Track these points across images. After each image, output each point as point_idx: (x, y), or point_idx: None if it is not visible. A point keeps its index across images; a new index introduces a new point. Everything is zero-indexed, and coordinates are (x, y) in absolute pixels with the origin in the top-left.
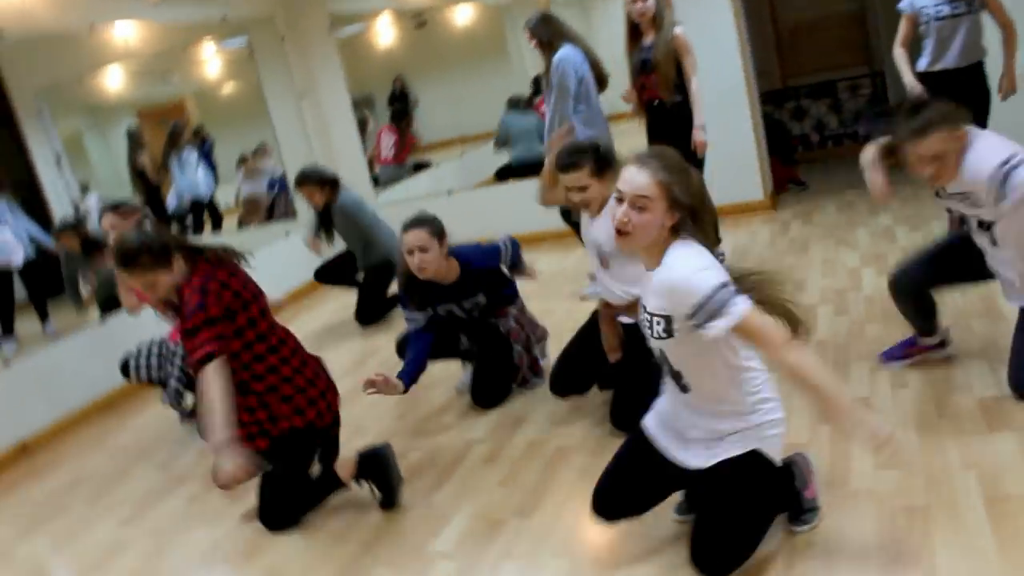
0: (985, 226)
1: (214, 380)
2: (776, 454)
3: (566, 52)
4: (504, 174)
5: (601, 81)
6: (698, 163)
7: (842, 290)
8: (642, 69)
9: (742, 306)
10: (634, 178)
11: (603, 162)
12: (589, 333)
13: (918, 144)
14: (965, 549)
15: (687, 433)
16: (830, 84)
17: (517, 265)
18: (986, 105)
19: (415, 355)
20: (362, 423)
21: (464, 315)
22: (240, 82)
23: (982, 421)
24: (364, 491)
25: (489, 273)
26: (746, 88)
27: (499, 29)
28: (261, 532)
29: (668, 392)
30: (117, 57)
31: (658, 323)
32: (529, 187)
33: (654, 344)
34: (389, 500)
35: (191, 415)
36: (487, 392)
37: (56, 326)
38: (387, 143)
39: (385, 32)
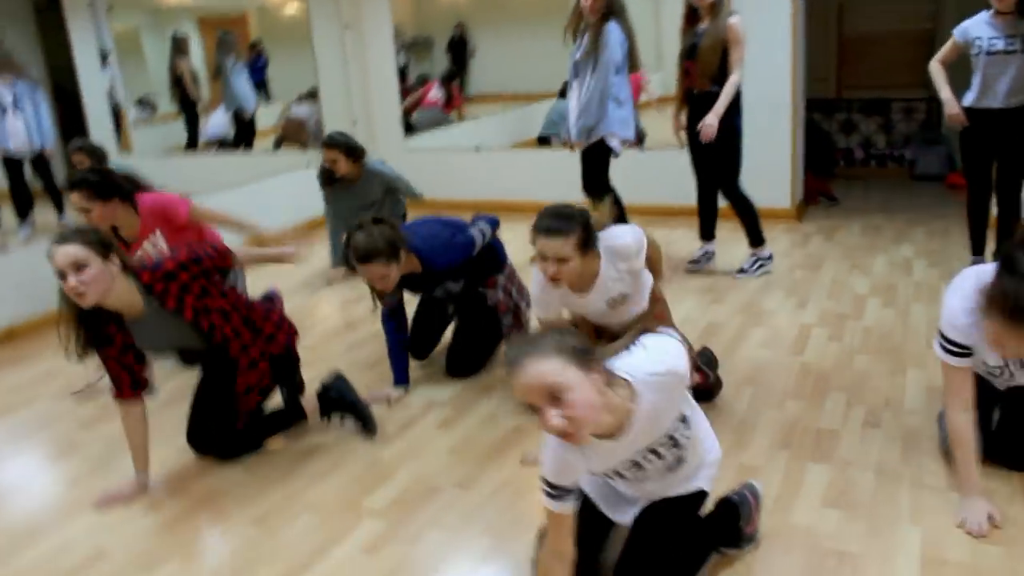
0: None
1: None
2: (710, 485)
3: (614, 26)
4: (545, 141)
5: (634, 63)
6: (724, 156)
7: (843, 316)
8: (689, 54)
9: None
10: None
11: (590, 235)
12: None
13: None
14: None
15: (626, 498)
16: (885, 102)
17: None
18: None
19: (396, 360)
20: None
21: (442, 295)
22: (302, 4)
23: (944, 477)
24: (318, 435)
25: (454, 270)
26: (791, 92)
27: None
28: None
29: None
30: None
31: (673, 442)
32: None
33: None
34: (369, 426)
35: None
36: (460, 363)
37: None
38: (436, 93)
39: None
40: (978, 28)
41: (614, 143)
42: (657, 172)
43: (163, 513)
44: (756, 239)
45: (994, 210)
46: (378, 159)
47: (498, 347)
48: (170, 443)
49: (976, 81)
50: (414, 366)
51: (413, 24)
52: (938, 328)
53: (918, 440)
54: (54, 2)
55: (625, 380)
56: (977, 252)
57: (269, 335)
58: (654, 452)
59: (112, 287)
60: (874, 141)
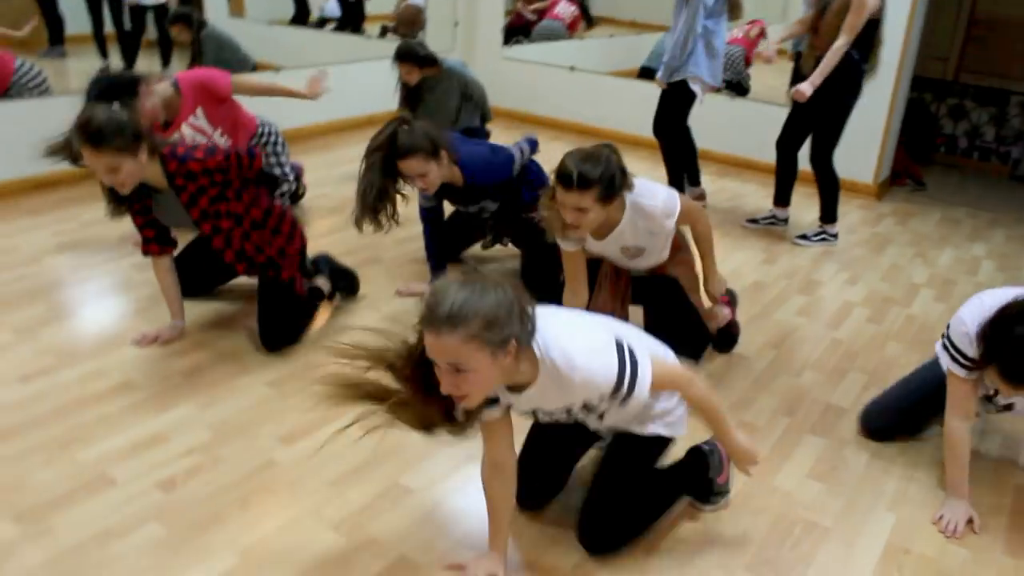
0: None
1: None
2: (669, 432)
3: None
4: (646, 74)
5: (734, 8)
6: (825, 127)
7: (890, 300)
8: (822, 13)
9: (646, 368)
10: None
11: (613, 187)
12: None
13: None
14: None
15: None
16: (1003, 94)
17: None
18: None
19: (433, 255)
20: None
21: (475, 213)
22: None
23: (935, 472)
24: None
25: (494, 187)
26: (897, 67)
27: None
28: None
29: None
30: None
31: (580, 409)
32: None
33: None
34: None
35: None
36: (537, 278)
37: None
38: (564, 7)
39: None
40: None
41: (696, 87)
42: (746, 123)
43: (188, 360)
44: (830, 215)
45: None
46: (460, 62)
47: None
48: (206, 301)
49: None
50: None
51: None
52: (948, 336)
53: (922, 436)
54: None
55: (536, 357)
56: None
57: (288, 234)
58: (567, 412)
59: (143, 172)
60: (982, 132)
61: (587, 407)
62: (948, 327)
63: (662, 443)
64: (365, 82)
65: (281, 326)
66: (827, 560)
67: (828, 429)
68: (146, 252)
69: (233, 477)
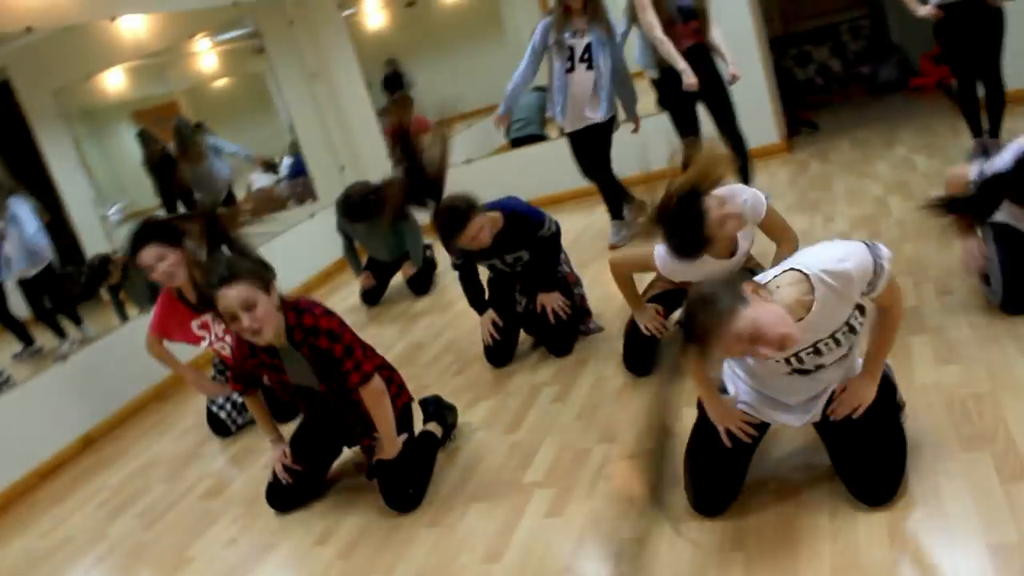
0: None
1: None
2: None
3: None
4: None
5: None
6: (726, 100)
7: (871, 216)
8: (684, 16)
9: (887, 252)
10: None
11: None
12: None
13: None
14: None
15: (787, 400)
16: (831, 28)
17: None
18: (1000, 24)
19: (474, 297)
20: (422, 382)
21: (509, 267)
22: (237, 75)
23: None
24: None
25: (528, 229)
26: (755, 33)
27: (494, 3)
28: (347, 485)
29: (774, 377)
30: (126, 56)
31: (843, 334)
32: (537, 153)
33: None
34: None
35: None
36: (562, 339)
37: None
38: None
39: (374, 15)
40: None
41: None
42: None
43: (337, 542)
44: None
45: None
46: None
47: (585, 318)
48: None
49: None
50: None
51: None
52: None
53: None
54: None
55: (803, 275)
56: (976, 133)
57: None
58: (834, 339)
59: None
60: (830, 66)
61: (849, 327)
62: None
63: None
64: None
65: (405, 486)
66: (1016, 412)
67: (920, 326)
68: (238, 388)
69: None
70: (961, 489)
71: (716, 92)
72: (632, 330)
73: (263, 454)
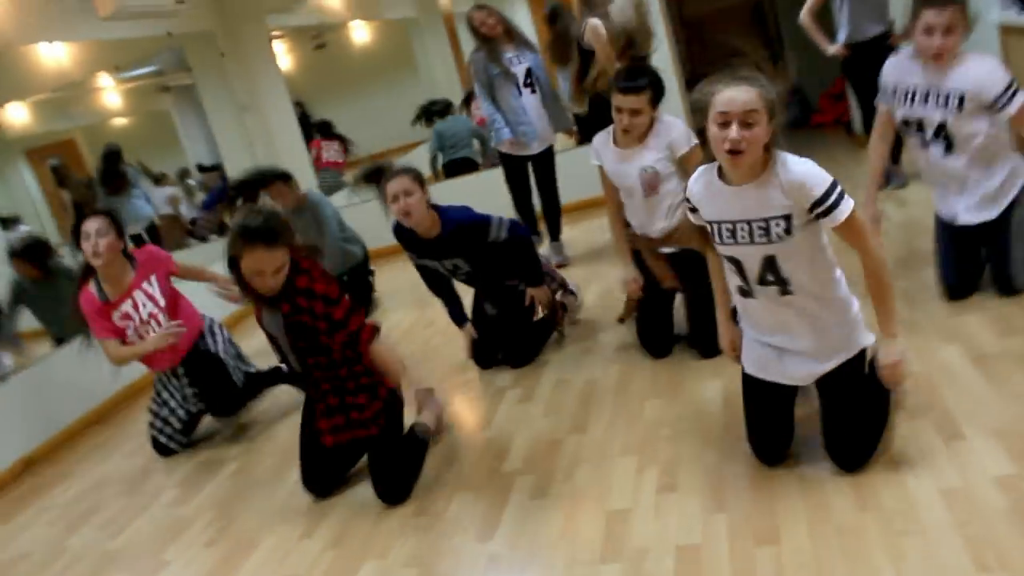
0: (942, 135)
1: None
2: (870, 342)
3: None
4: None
5: None
6: None
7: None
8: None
9: (851, 202)
10: (738, 96)
11: (659, 93)
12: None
13: (939, 11)
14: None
15: (791, 346)
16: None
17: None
18: None
19: (449, 302)
20: None
21: (449, 272)
22: (139, 113)
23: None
24: None
25: (470, 237)
26: (675, 74)
27: (405, 42)
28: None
29: (764, 308)
30: (48, 84)
31: (777, 224)
32: (469, 183)
33: (762, 251)
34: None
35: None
36: (519, 355)
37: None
38: (330, 148)
39: (283, 57)
40: None
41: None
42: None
43: (323, 535)
44: None
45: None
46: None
47: (547, 335)
48: (271, 487)
49: (844, 19)
50: (464, 370)
51: None
52: None
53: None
54: None
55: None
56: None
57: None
58: (754, 225)
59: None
60: None
61: (766, 226)
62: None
63: (863, 358)
64: None
65: (397, 477)
66: (949, 391)
67: None
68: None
69: None
70: (912, 449)
71: None
72: (643, 312)
73: (229, 463)
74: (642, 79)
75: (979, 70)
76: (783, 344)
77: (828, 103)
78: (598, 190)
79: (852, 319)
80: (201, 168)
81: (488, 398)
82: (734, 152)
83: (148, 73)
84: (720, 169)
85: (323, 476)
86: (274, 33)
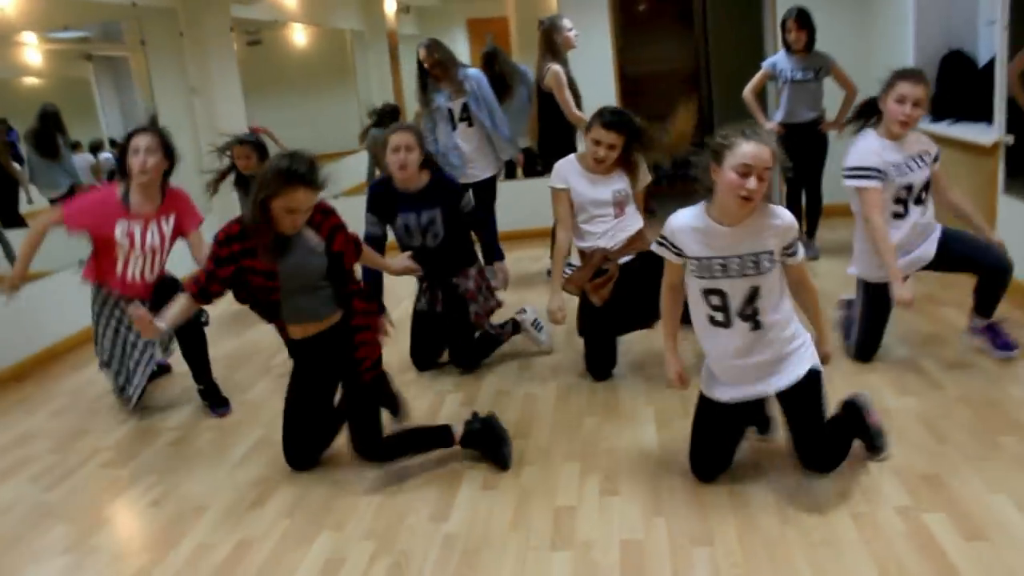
0: (917, 194)
1: None
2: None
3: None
4: None
5: None
6: None
7: None
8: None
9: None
10: (763, 154)
11: (634, 137)
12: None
13: (913, 85)
14: None
15: (753, 360)
16: None
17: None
18: (825, 148)
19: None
20: None
21: (421, 230)
22: (55, 77)
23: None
24: None
25: (452, 191)
26: None
27: (342, 51)
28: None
29: (735, 336)
30: None
31: (765, 259)
32: None
33: (748, 283)
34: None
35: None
36: (464, 357)
37: None
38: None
39: None
40: (783, 62)
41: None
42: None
43: (275, 506)
44: None
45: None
46: None
47: (494, 344)
48: (215, 466)
49: (783, 102)
50: (402, 370)
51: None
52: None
53: None
54: None
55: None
56: (809, 234)
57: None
58: (750, 260)
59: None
60: (661, 163)
61: (757, 260)
62: (847, 169)
63: (818, 377)
64: None
65: (376, 430)
66: None
67: None
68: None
69: None
70: (828, 480)
71: None
72: (590, 340)
73: (166, 433)
74: (625, 120)
75: (921, 136)
76: (744, 365)
77: None
78: (530, 223)
79: (801, 341)
80: (114, 143)
81: (429, 398)
82: (748, 200)
83: (74, 38)
84: (707, 211)
85: (309, 444)
86: None
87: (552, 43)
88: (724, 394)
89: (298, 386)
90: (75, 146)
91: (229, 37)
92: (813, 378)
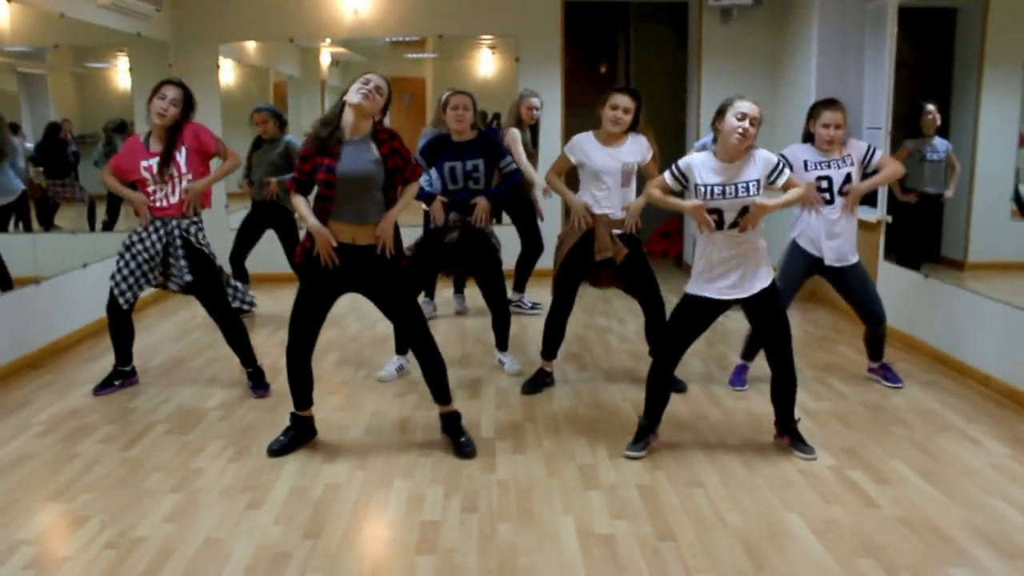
0: (843, 188)
1: None
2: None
3: None
4: None
5: None
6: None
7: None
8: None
9: (788, 170)
10: (755, 106)
11: (639, 110)
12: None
13: (836, 113)
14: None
15: (734, 271)
16: None
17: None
18: None
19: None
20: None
21: (464, 175)
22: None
23: None
24: None
25: (495, 146)
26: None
27: (264, 89)
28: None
29: (723, 242)
30: None
31: (753, 185)
32: None
33: (743, 202)
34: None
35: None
36: (499, 298)
37: None
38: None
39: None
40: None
41: None
42: None
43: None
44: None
45: None
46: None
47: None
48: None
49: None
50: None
51: (79, 121)
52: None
53: None
54: None
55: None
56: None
57: None
58: (744, 187)
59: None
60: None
61: (748, 187)
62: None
63: (776, 287)
64: None
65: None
66: None
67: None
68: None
69: None
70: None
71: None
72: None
73: (211, 411)
74: (636, 90)
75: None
76: (724, 274)
77: (657, 238)
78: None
79: (766, 256)
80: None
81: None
82: (744, 136)
83: (14, 52)
84: (714, 153)
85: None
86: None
87: (517, 111)
88: (709, 292)
89: (313, 299)
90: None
91: (215, 72)
92: (774, 289)
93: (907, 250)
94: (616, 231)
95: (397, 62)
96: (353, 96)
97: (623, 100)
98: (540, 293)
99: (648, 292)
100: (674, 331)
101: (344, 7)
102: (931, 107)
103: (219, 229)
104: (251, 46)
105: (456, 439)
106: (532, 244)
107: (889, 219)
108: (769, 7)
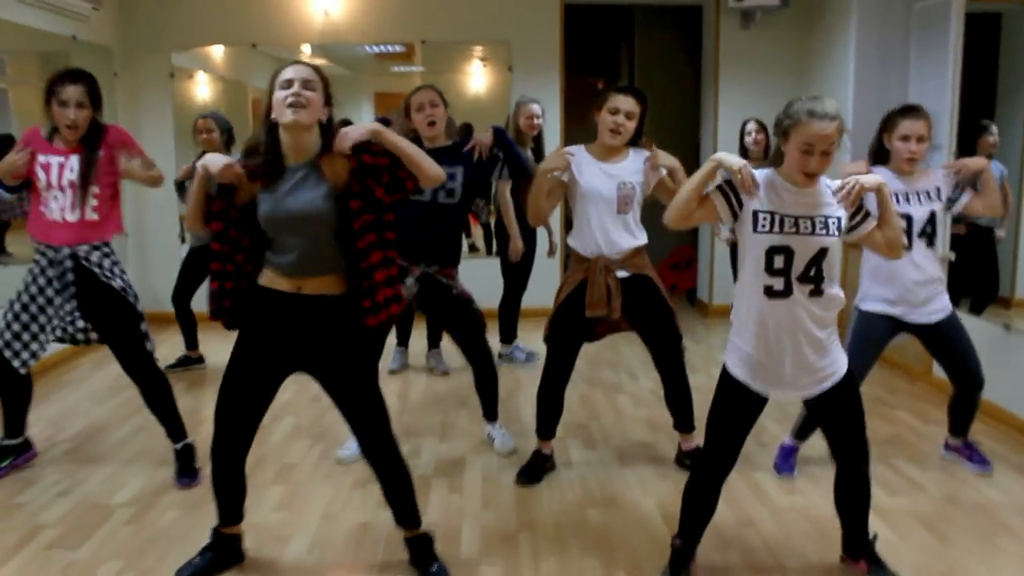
0: (927, 228)
1: None
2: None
3: None
4: None
5: None
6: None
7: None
8: None
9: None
10: (823, 131)
11: (644, 114)
12: None
13: (917, 122)
14: None
15: (792, 356)
16: None
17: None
18: None
19: None
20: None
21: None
22: None
23: None
24: None
25: (481, 160)
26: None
27: (243, 105)
28: None
29: (786, 311)
30: None
31: (833, 223)
32: None
33: (820, 242)
34: None
35: None
36: (480, 355)
37: None
38: None
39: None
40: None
41: None
42: None
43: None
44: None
45: None
46: None
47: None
48: None
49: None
50: None
51: None
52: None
53: None
54: None
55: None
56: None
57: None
58: (820, 220)
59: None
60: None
61: (838, 219)
62: None
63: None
64: None
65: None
66: None
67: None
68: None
69: None
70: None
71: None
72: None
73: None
74: (640, 91)
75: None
76: (780, 356)
77: (666, 270)
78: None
79: (836, 339)
80: None
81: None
82: (811, 176)
83: None
84: (778, 172)
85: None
86: None
87: (515, 122)
88: (764, 390)
89: (244, 378)
90: None
91: (168, 82)
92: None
93: (964, 292)
94: (621, 273)
95: (383, 76)
96: (285, 114)
97: (625, 103)
98: (537, 337)
99: (663, 344)
100: (720, 427)
101: (313, 8)
102: (994, 128)
103: (170, 261)
104: (220, 56)
105: (426, 570)
106: (515, 282)
107: (952, 256)
108: (797, 8)
